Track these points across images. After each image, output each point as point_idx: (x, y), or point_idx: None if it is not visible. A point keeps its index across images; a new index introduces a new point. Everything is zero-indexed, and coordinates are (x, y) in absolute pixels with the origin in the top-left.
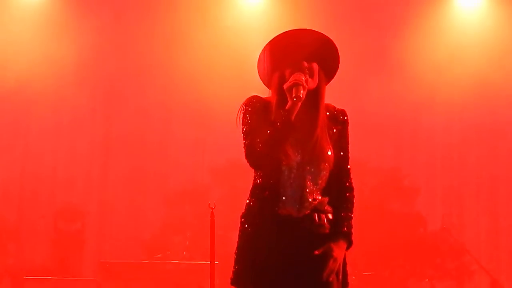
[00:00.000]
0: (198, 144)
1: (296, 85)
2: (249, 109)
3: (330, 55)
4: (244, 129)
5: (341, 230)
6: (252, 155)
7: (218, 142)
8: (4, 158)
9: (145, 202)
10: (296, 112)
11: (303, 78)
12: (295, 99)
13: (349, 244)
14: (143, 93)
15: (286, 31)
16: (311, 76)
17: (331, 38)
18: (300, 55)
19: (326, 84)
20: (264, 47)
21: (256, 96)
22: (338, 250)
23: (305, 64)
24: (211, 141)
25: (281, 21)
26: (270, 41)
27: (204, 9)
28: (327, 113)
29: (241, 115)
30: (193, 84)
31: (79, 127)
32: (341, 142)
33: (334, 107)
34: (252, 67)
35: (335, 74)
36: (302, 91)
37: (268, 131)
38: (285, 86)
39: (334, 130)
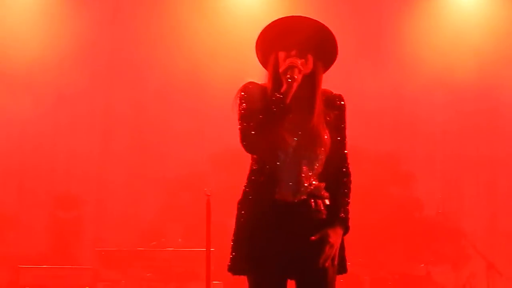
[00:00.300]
0: (195, 132)
1: (291, 67)
2: (245, 94)
3: (327, 42)
4: (239, 114)
5: (338, 216)
6: (246, 139)
7: (216, 130)
8: (1, 147)
9: (142, 190)
10: (291, 96)
11: (299, 62)
12: (289, 80)
13: (346, 230)
14: (141, 81)
15: (284, 17)
16: (305, 60)
17: (329, 27)
18: (295, 40)
19: (324, 71)
20: (262, 29)
21: (252, 82)
22: (335, 236)
23: (296, 49)
24: (208, 128)
25: (280, 13)
26: (268, 24)
27: (203, 4)
28: (324, 98)
29: (237, 100)
30: (191, 72)
31: (77, 115)
32: (338, 127)
33: (331, 92)
34: (250, 56)
35: (333, 61)
36: (297, 73)
37: (263, 115)
38: (280, 70)
39: (331, 115)
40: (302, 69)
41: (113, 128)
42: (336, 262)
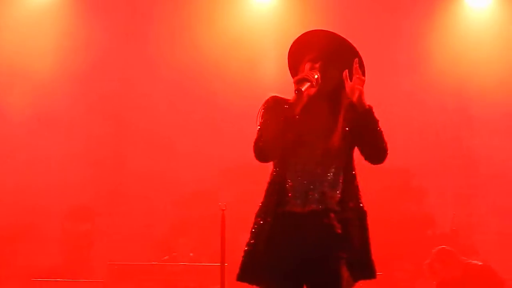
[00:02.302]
0: (208, 145)
1: (302, 80)
2: (265, 109)
3: (351, 58)
4: (258, 127)
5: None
6: (255, 147)
7: (229, 143)
8: (14, 159)
9: (155, 203)
10: (301, 106)
11: (314, 75)
12: (296, 91)
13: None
14: (152, 94)
15: (316, 29)
16: (324, 74)
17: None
18: (322, 53)
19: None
20: (294, 40)
21: (275, 96)
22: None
23: (322, 62)
24: (221, 142)
25: (290, 21)
26: (301, 35)
27: (212, 8)
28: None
29: (259, 115)
30: (202, 85)
31: (89, 127)
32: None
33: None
34: (262, 67)
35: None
36: (306, 85)
37: (273, 125)
38: (294, 79)
39: (350, 122)
40: (314, 83)
41: (127, 142)
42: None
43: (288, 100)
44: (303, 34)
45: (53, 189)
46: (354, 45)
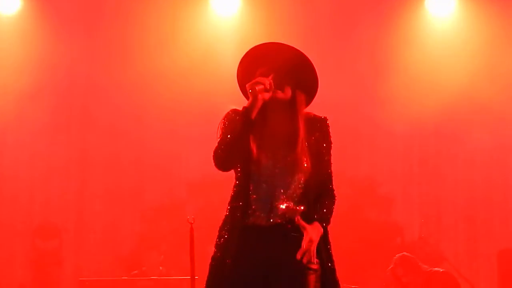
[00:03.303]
0: (173, 159)
1: (255, 83)
2: (226, 122)
3: (307, 72)
4: (218, 139)
5: (317, 216)
6: (215, 155)
7: (194, 156)
8: None
9: (122, 218)
10: (256, 110)
11: (267, 81)
12: (250, 91)
13: (326, 224)
14: (118, 108)
15: (262, 44)
16: (277, 86)
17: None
18: (273, 67)
19: (308, 100)
20: (241, 58)
21: (234, 109)
22: (313, 230)
23: (274, 75)
24: (186, 155)
25: (254, 32)
26: (247, 52)
27: (175, 19)
28: (306, 122)
29: (220, 128)
30: (167, 98)
31: (54, 144)
32: (319, 149)
33: (314, 115)
34: (227, 79)
35: (314, 91)
36: (262, 90)
37: (231, 132)
38: (247, 85)
39: (312, 139)
40: (268, 87)
41: (91, 156)
42: (316, 262)
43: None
44: (250, 49)
45: (20, 206)
46: (304, 53)
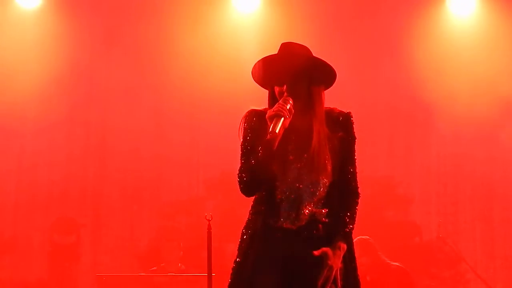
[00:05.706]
0: (192, 156)
1: (276, 116)
2: (246, 125)
3: (320, 67)
4: (241, 149)
5: (340, 231)
6: (240, 185)
7: (213, 154)
8: None
9: (139, 214)
10: (278, 141)
11: (288, 106)
12: (270, 133)
13: (349, 238)
14: (136, 104)
15: (271, 55)
16: (293, 94)
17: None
18: (285, 74)
19: (328, 84)
20: (253, 67)
21: (253, 110)
22: (334, 257)
23: (288, 83)
24: (205, 152)
25: (276, 28)
26: (258, 61)
27: (196, 16)
28: (328, 120)
29: (241, 130)
30: (187, 95)
31: (73, 139)
32: (343, 149)
33: (337, 111)
34: (246, 78)
35: (333, 80)
36: (280, 124)
37: (253, 161)
38: (267, 115)
39: (335, 139)
40: (287, 115)
41: (111, 152)
42: (339, 284)
43: (264, 111)
44: (262, 59)
45: (39, 201)
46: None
